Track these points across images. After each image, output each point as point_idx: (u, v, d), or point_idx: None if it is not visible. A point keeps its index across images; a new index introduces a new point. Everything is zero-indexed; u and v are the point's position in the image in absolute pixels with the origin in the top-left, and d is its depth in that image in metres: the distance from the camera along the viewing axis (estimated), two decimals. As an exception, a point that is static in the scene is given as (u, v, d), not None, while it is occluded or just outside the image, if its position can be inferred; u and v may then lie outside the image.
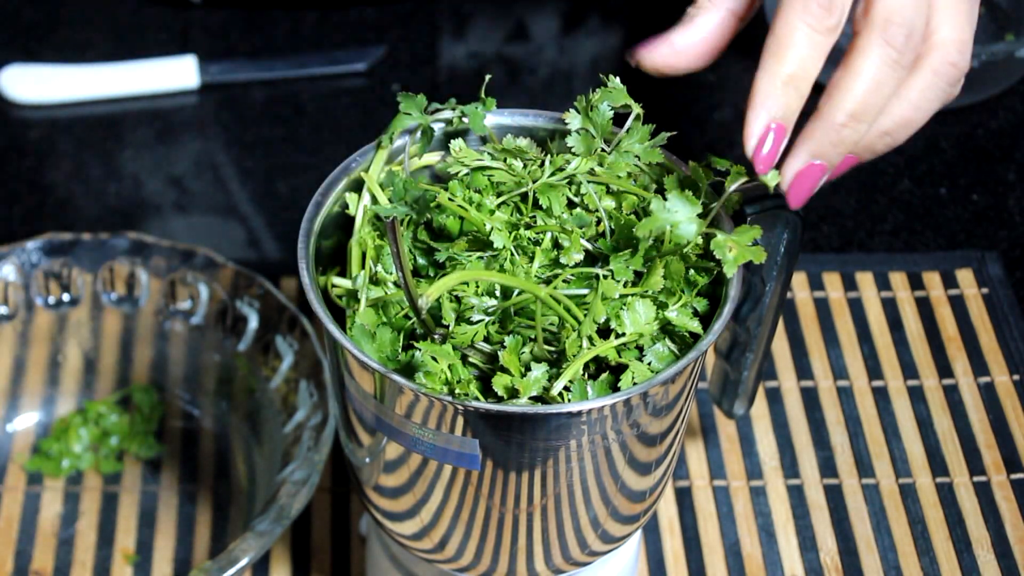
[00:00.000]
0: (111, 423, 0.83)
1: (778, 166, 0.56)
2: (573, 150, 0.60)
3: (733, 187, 0.55)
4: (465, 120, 0.61)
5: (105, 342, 0.84)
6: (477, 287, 0.56)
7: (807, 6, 0.53)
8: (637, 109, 0.60)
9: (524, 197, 0.60)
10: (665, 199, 0.55)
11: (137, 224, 0.95)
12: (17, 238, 0.83)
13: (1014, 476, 0.82)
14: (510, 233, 0.58)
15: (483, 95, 0.61)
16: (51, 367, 0.84)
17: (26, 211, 0.95)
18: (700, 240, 0.56)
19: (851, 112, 0.54)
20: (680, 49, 0.57)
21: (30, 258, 0.81)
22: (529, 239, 0.58)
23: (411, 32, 1.09)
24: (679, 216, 0.55)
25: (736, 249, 0.54)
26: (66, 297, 0.82)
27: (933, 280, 0.92)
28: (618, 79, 0.60)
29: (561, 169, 0.59)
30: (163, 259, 0.82)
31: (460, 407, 0.53)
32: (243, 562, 0.69)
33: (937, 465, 0.83)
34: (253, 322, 0.80)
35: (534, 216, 0.59)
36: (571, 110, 0.60)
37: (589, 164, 0.59)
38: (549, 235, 0.58)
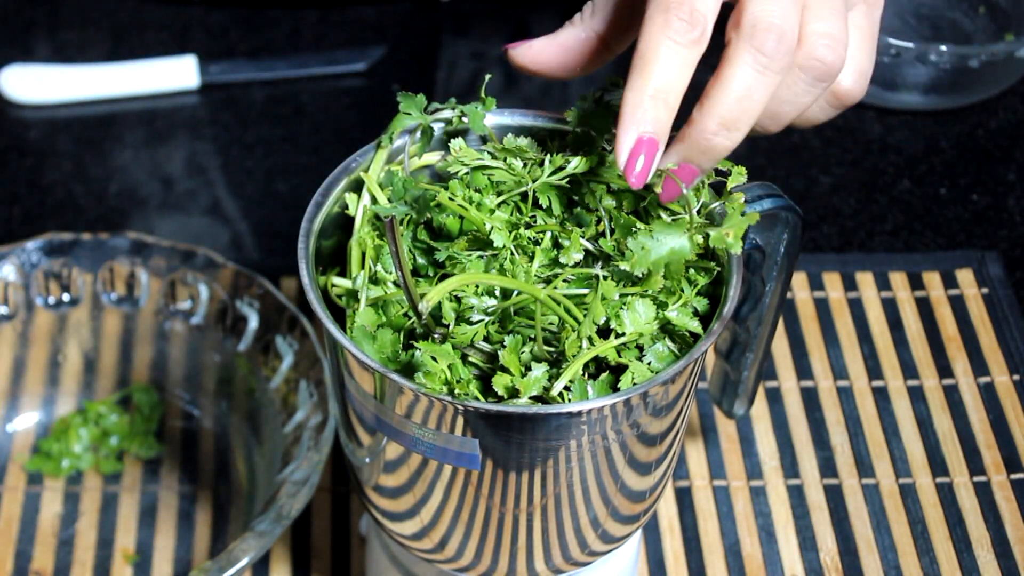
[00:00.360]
0: (111, 423, 0.83)
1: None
2: (573, 149, 0.60)
3: (733, 187, 0.55)
4: (465, 120, 0.61)
5: (105, 342, 0.84)
6: (477, 288, 0.56)
7: (668, 20, 0.53)
8: None
9: (524, 196, 0.60)
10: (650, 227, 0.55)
11: (137, 224, 0.95)
12: (17, 238, 0.83)
13: (1014, 476, 0.82)
14: (510, 232, 0.58)
15: (483, 95, 0.61)
16: (51, 367, 0.84)
17: (26, 211, 0.95)
18: (700, 239, 0.56)
19: (722, 121, 0.54)
20: (536, 52, 0.59)
21: (30, 258, 0.81)
22: (529, 239, 0.58)
23: (411, 32, 1.09)
24: (668, 244, 0.55)
25: (733, 230, 0.55)
26: (66, 297, 0.82)
27: (933, 280, 0.92)
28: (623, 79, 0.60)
29: (561, 168, 0.59)
30: (163, 259, 0.82)
31: (460, 407, 0.53)
32: (243, 562, 0.69)
33: (937, 465, 0.83)
34: (253, 322, 0.80)
35: (534, 216, 0.59)
36: (573, 108, 0.60)
37: (589, 163, 0.59)
38: (549, 235, 0.58)
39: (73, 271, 0.82)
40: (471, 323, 0.55)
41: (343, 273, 0.59)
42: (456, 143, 0.61)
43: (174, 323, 0.82)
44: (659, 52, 0.53)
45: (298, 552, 0.78)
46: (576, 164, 0.59)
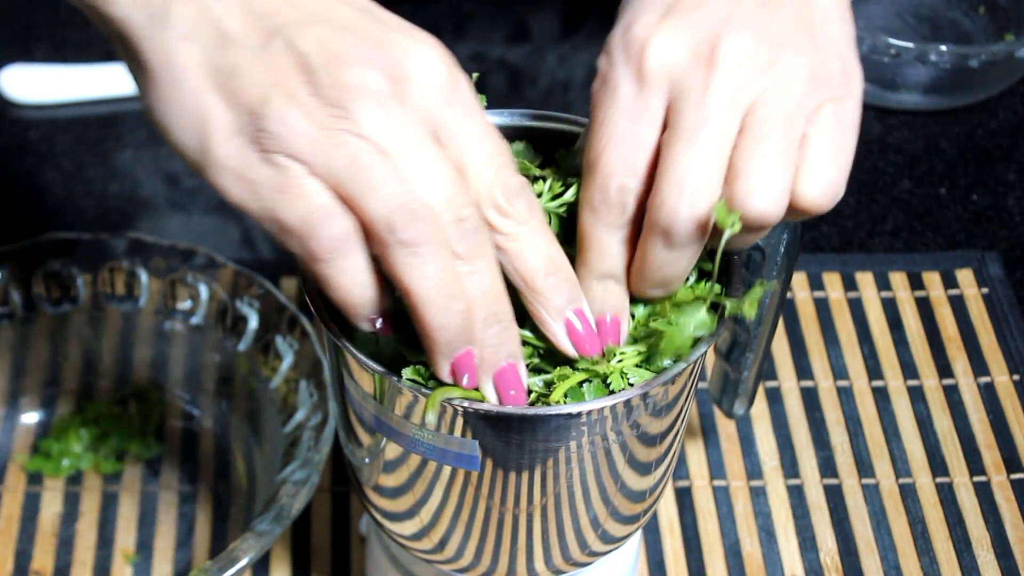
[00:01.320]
0: (111, 423, 0.83)
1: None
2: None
3: (726, 236, 0.54)
4: None
5: (105, 342, 0.84)
6: None
7: (595, 209, 0.54)
8: None
9: None
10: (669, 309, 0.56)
11: (137, 224, 0.95)
12: (17, 238, 0.83)
13: (1014, 476, 0.82)
14: None
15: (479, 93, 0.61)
16: (51, 367, 0.84)
17: (26, 211, 0.95)
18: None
19: (652, 286, 0.55)
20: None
21: (30, 258, 0.81)
22: None
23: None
24: (692, 327, 0.55)
25: (748, 301, 0.54)
26: (66, 297, 0.82)
27: (933, 280, 0.92)
28: None
29: (560, 195, 0.58)
30: (163, 259, 0.82)
31: (460, 407, 0.53)
32: (243, 562, 0.68)
33: (937, 465, 0.83)
34: (253, 322, 0.80)
35: None
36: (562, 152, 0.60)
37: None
38: None
39: (73, 271, 0.82)
40: None
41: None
42: None
43: (174, 323, 0.82)
44: (594, 239, 0.54)
45: (298, 552, 0.78)
46: (573, 192, 0.58)
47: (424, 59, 0.51)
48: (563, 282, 0.53)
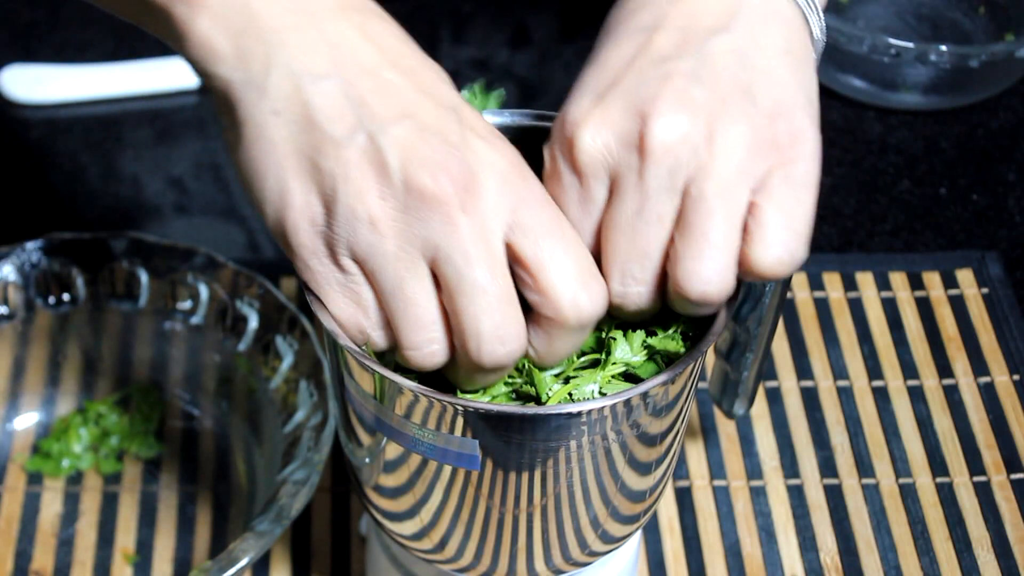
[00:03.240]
0: (111, 423, 0.83)
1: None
2: None
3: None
4: None
5: (105, 342, 0.84)
6: None
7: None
8: None
9: None
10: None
11: (137, 224, 0.95)
12: (17, 238, 0.83)
13: (1014, 476, 0.82)
14: None
15: (476, 90, 0.61)
16: (51, 367, 0.84)
17: (26, 211, 0.95)
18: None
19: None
20: None
21: (30, 258, 0.81)
22: None
23: (410, 32, 1.08)
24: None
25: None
26: (66, 297, 0.82)
27: (933, 280, 0.92)
28: None
29: None
30: (163, 259, 0.82)
31: (460, 407, 0.53)
32: (243, 562, 0.68)
33: (937, 465, 0.83)
34: (253, 322, 0.80)
35: None
36: None
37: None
38: None
39: (73, 271, 0.82)
40: None
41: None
42: None
43: (174, 323, 0.82)
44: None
45: (298, 552, 0.78)
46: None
47: (496, 165, 0.52)
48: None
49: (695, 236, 0.52)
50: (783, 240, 0.52)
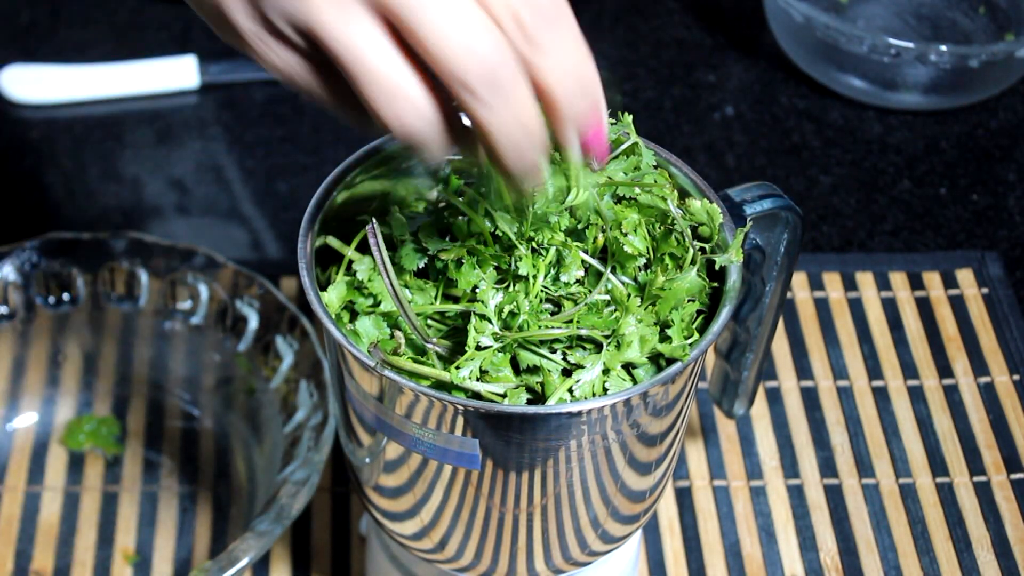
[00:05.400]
0: (111, 423, 0.83)
1: None
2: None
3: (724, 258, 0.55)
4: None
5: (105, 342, 0.84)
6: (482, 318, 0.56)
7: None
8: (635, 138, 0.59)
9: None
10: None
11: (137, 224, 0.95)
12: (17, 238, 0.83)
13: (1014, 476, 0.82)
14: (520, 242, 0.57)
15: None
16: (51, 367, 0.84)
17: (26, 211, 0.95)
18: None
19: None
20: None
21: (30, 258, 0.81)
22: (533, 248, 0.57)
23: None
24: (685, 284, 0.57)
25: (734, 249, 0.55)
26: (66, 297, 0.82)
27: (933, 280, 0.92)
28: (630, 117, 0.60)
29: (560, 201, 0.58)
30: (163, 259, 0.82)
31: (460, 407, 0.53)
32: (243, 562, 0.69)
33: (937, 465, 0.83)
34: (253, 322, 0.80)
35: (537, 228, 0.58)
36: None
37: (586, 194, 0.58)
38: (553, 249, 0.57)
39: (73, 271, 0.82)
40: (480, 348, 0.55)
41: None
42: None
43: (174, 323, 0.82)
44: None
45: (298, 552, 0.78)
46: (573, 196, 0.58)
47: None
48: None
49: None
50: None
